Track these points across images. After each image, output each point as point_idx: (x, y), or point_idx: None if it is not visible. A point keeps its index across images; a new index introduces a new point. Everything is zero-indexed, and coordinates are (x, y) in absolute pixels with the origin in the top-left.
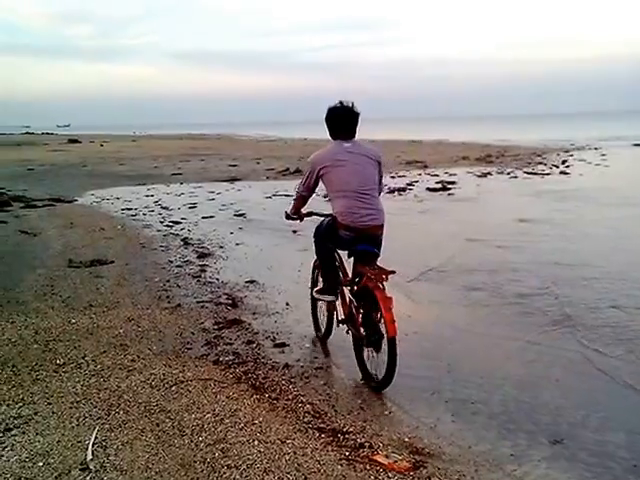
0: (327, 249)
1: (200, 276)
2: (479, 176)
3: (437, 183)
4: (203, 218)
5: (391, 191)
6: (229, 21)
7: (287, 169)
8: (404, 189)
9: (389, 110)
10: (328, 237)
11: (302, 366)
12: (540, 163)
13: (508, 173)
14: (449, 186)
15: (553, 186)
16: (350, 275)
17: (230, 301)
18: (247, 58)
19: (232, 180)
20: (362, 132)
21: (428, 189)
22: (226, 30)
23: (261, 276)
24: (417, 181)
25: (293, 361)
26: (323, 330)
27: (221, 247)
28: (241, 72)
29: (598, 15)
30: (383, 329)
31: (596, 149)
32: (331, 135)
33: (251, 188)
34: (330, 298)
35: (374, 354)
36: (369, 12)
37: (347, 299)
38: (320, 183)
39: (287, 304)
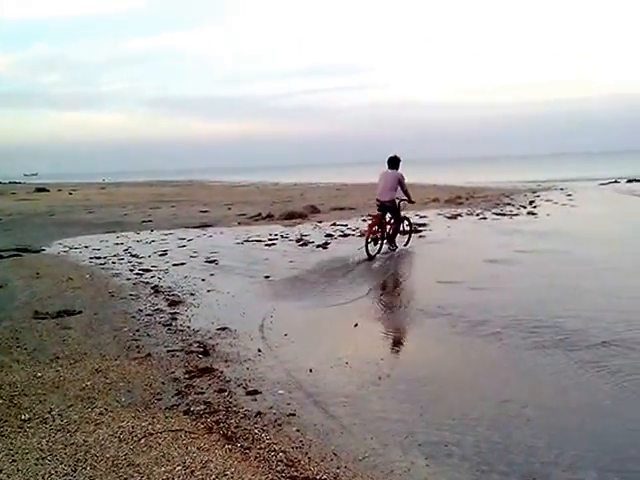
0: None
1: (171, 324)
2: (449, 217)
3: (407, 226)
4: (174, 265)
5: (362, 234)
6: (201, 68)
7: (259, 214)
8: None
9: (360, 153)
10: None
11: (275, 413)
12: (508, 204)
13: (477, 214)
14: (420, 228)
15: (522, 227)
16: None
17: (202, 349)
18: (219, 104)
19: (203, 226)
20: (326, 177)
21: (399, 232)
22: (198, 76)
23: (233, 323)
24: None
25: (265, 408)
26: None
27: (192, 294)
28: (212, 118)
29: (558, 58)
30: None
31: (562, 189)
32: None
33: (223, 234)
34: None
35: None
36: (334, 59)
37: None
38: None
39: (259, 350)
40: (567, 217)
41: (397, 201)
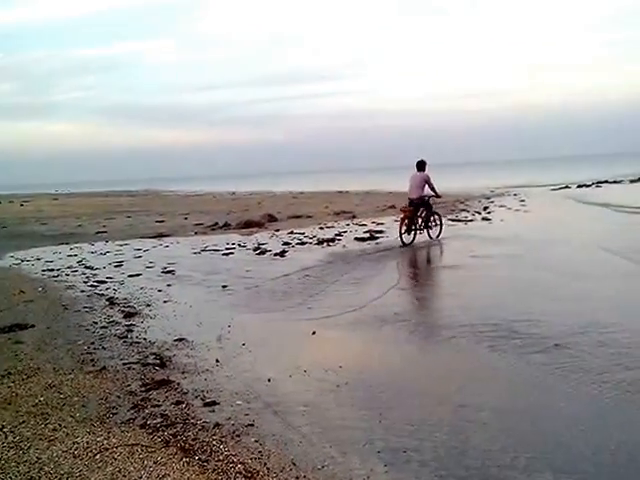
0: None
1: (127, 336)
2: None
3: (365, 233)
4: (129, 276)
5: (320, 242)
6: (157, 77)
7: (216, 223)
8: (333, 240)
9: (321, 162)
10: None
11: (233, 424)
12: (463, 210)
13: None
14: (377, 235)
15: (476, 232)
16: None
17: (158, 361)
18: (176, 113)
19: (159, 236)
20: (284, 185)
21: (356, 239)
22: (154, 85)
23: (190, 333)
24: (345, 231)
25: (224, 420)
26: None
27: (148, 305)
28: (170, 127)
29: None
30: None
31: (515, 195)
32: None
33: (179, 244)
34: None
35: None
36: (297, 67)
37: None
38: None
39: (217, 361)
40: (520, 222)
41: (426, 198)
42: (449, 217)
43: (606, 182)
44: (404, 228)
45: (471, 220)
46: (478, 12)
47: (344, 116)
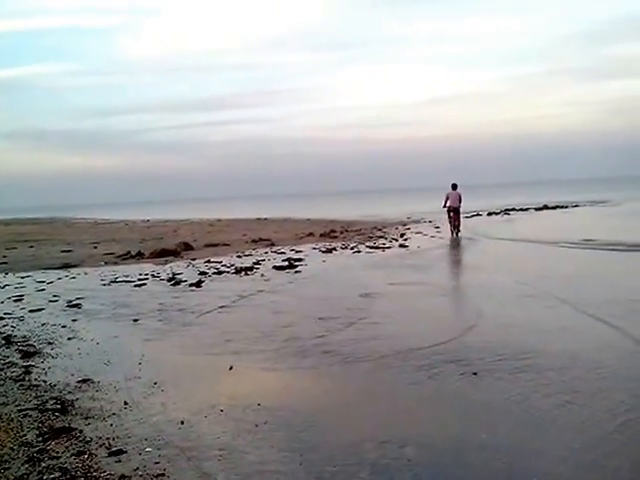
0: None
1: (24, 379)
2: (324, 252)
3: (284, 261)
4: (30, 311)
5: (237, 271)
6: (61, 101)
7: (128, 252)
8: (251, 268)
9: (236, 189)
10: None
11: (141, 475)
12: (381, 237)
13: (352, 248)
14: (296, 263)
15: (394, 259)
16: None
17: (59, 406)
18: (82, 138)
19: (66, 267)
20: (200, 212)
21: (275, 267)
22: (58, 110)
23: (96, 373)
24: (264, 260)
25: (131, 470)
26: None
27: (50, 343)
28: (76, 152)
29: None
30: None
31: (430, 222)
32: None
33: (87, 275)
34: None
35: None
36: (205, 92)
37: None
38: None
39: (125, 403)
40: (436, 249)
41: (459, 207)
42: (367, 244)
43: (513, 209)
44: (450, 227)
45: (389, 247)
46: (387, 45)
47: (261, 143)
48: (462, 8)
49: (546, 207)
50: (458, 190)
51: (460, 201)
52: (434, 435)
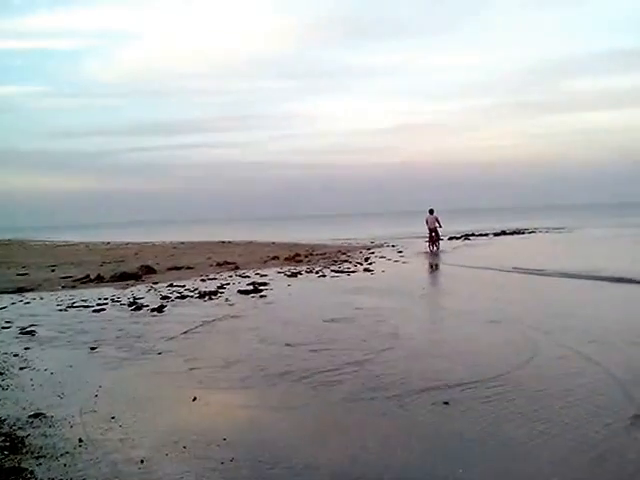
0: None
1: None
2: (289, 276)
3: (248, 285)
4: None
5: (201, 295)
6: (34, 121)
7: (87, 276)
8: (215, 293)
9: (202, 211)
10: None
11: None
12: (345, 261)
13: (317, 272)
14: (261, 287)
15: (359, 284)
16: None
17: (8, 443)
18: (48, 159)
19: (20, 291)
20: (163, 235)
21: (240, 292)
22: (30, 130)
23: (50, 407)
24: (228, 283)
25: None
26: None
27: (1, 374)
28: (39, 174)
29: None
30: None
31: (393, 246)
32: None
33: (43, 300)
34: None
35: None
36: (169, 116)
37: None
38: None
39: (80, 440)
40: (400, 273)
41: (437, 227)
42: (332, 268)
43: (473, 235)
44: (429, 244)
45: (354, 271)
46: (354, 75)
47: (228, 166)
48: (423, 45)
49: (504, 232)
50: (435, 214)
51: (438, 222)
52: (405, 468)
